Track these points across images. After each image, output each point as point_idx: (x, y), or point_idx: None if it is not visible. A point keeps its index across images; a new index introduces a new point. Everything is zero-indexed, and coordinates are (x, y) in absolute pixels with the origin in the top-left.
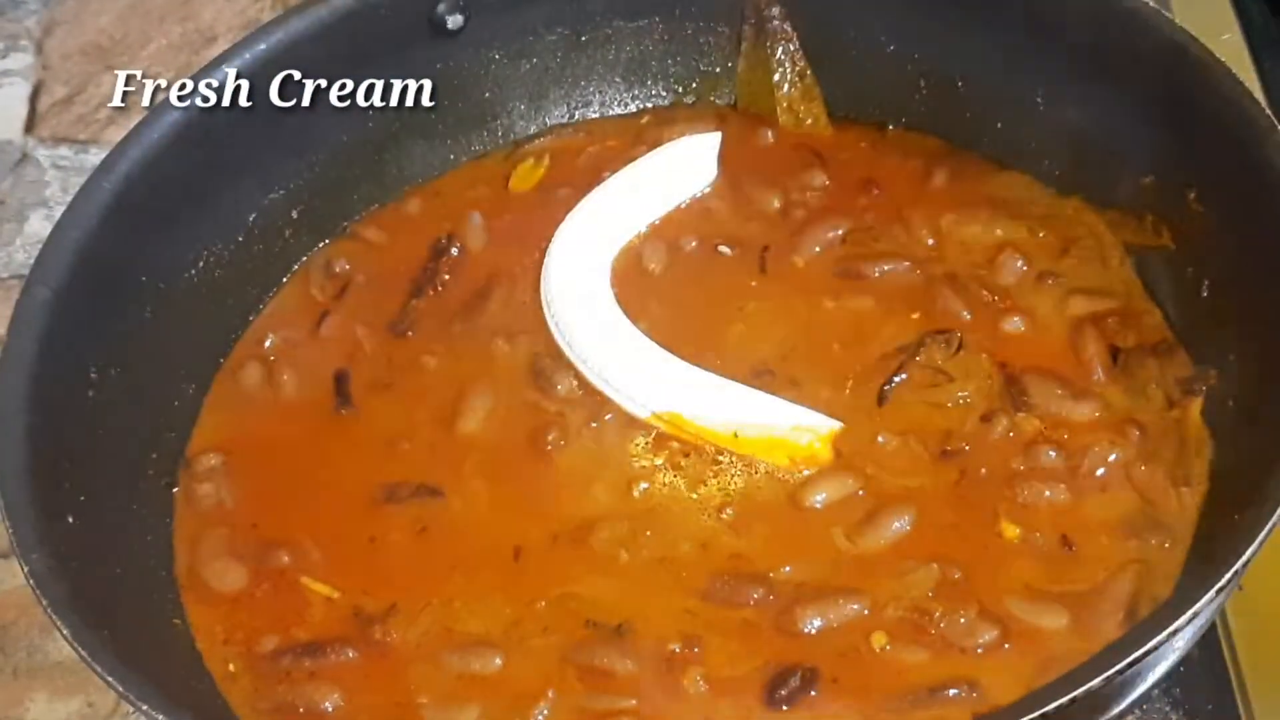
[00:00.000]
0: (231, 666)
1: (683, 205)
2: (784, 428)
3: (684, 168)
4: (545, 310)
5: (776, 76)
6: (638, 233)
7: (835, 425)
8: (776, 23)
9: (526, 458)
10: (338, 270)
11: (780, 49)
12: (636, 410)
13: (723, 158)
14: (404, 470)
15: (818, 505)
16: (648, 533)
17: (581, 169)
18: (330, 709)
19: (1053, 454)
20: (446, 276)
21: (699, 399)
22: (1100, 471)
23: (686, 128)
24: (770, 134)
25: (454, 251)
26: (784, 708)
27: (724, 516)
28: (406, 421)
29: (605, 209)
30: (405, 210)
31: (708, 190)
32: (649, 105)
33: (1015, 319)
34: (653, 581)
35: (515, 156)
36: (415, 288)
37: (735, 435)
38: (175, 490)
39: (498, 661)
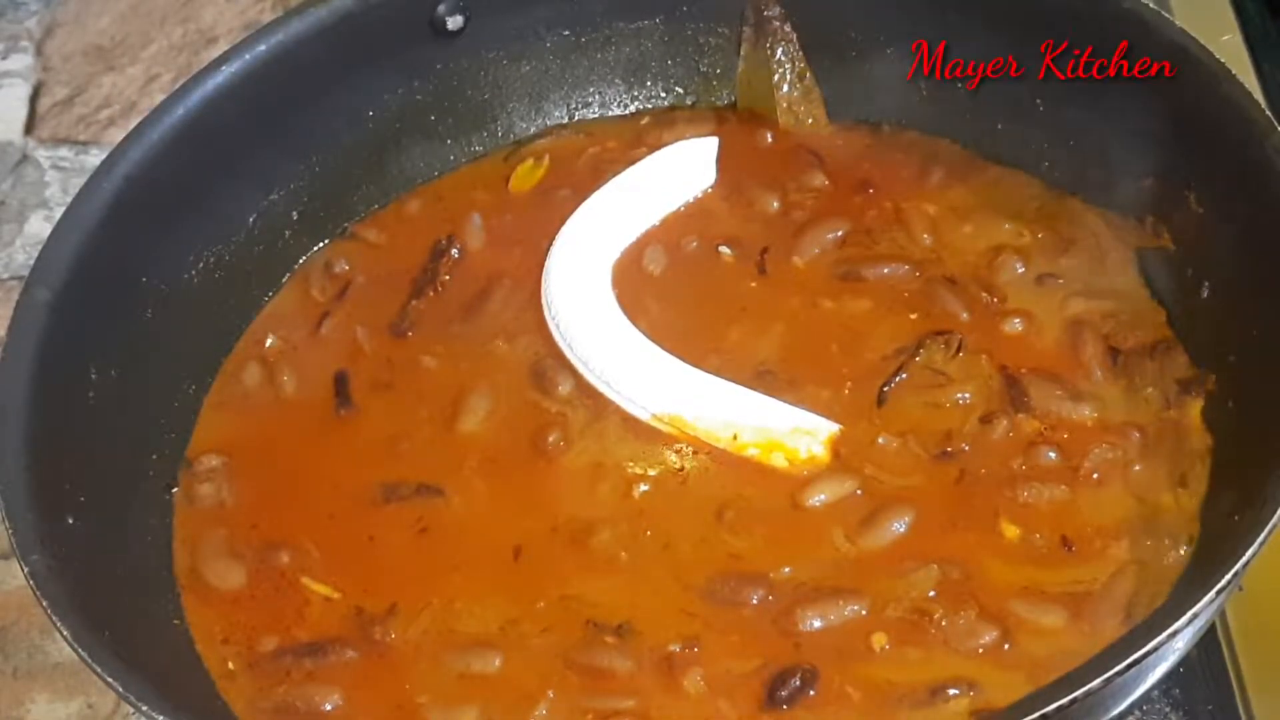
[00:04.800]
0: (231, 665)
1: (682, 207)
2: (783, 430)
3: (683, 171)
4: (546, 311)
5: (776, 77)
6: (637, 235)
7: (834, 428)
8: (776, 24)
9: (527, 458)
10: (338, 271)
11: (780, 50)
12: (637, 412)
13: (722, 159)
14: (404, 470)
15: (817, 506)
16: (648, 533)
17: (581, 170)
18: (330, 709)
19: (1052, 455)
20: (447, 277)
21: (699, 401)
22: (1099, 473)
23: (686, 129)
24: (769, 135)
25: (454, 253)
26: (784, 708)
27: (724, 518)
28: (407, 421)
29: (605, 211)
30: (405, 211)
31: (707, 193)
32: (649, 106)
33: (1014, 320)
34: (653, 582)
35: (515, 158)
36: (415, 288)
37: (735, 437)
38: (175, 490)
39: (497, 662)
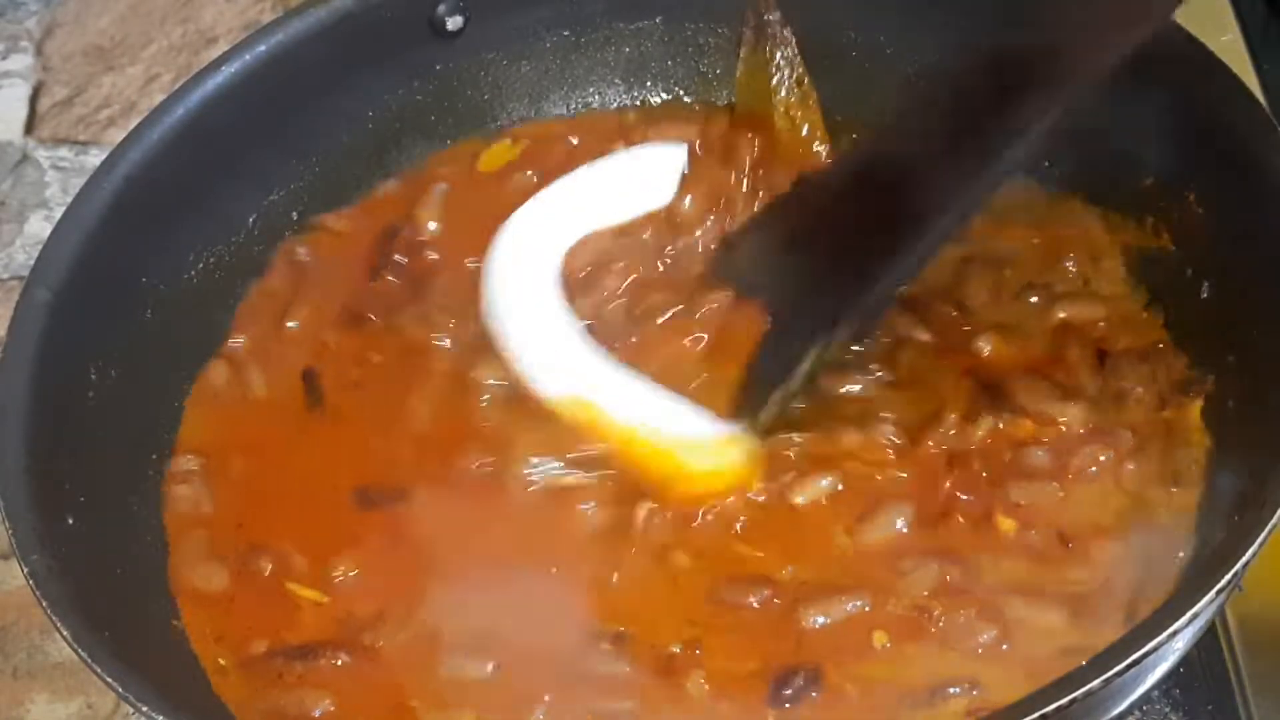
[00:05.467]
0: (222, 661)
1: (642, 210)
2: (702, 439)
3: (649, 173)
4: (483, 292)
5: (774, 81)
6: (592, 229)
7: (753, 444)
8: (776, 28)
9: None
10: (298, 261)
11: (779, 54)
12: (545, 390)
13: (701, 165)
14: (378, 472)
15: (805, 504)
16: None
17: (555, 157)
18: (319, 715)
19: (1044, 455)
20: (402, 259)
21: (614, 391)
22: (1094, 470)
23: (670, 128)
24: (756, 145)
25: (407, 232)
26: (787, 707)
27: (712, 518)
28: (374, 418)
29: (563, 201)
30: (371, 197)
31: (671, 197)
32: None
33: (983, 340)
34: (650, 587)
35: (493, 137)
36: (371, 272)
37: (638, 436)
38: None
39: (490, 667)
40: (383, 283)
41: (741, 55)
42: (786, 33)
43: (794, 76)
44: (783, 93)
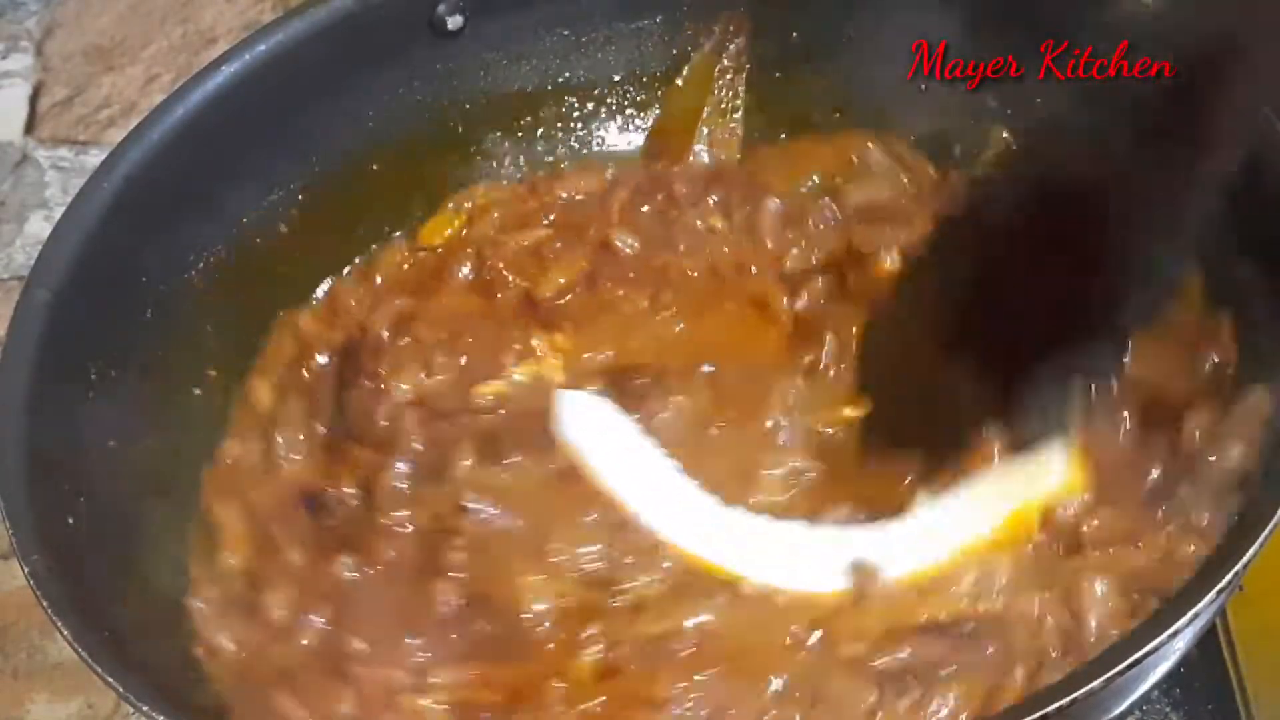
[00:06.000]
0: None
1: None
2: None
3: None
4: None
5: (710, 100)
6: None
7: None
8: (734, 49)
9: None
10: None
11: (730, 75)
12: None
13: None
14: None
15: None
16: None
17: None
18: None
19: None
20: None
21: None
22: None
23: (579, 181)
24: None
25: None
26: None
27: None
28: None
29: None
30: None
31: None
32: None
33: None
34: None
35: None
36: (340, 381)
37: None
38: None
39: None
40: (360, 390)
41: (691, 65)
42: (743, 59)
43: (731, 104)
44: (709, 112)
